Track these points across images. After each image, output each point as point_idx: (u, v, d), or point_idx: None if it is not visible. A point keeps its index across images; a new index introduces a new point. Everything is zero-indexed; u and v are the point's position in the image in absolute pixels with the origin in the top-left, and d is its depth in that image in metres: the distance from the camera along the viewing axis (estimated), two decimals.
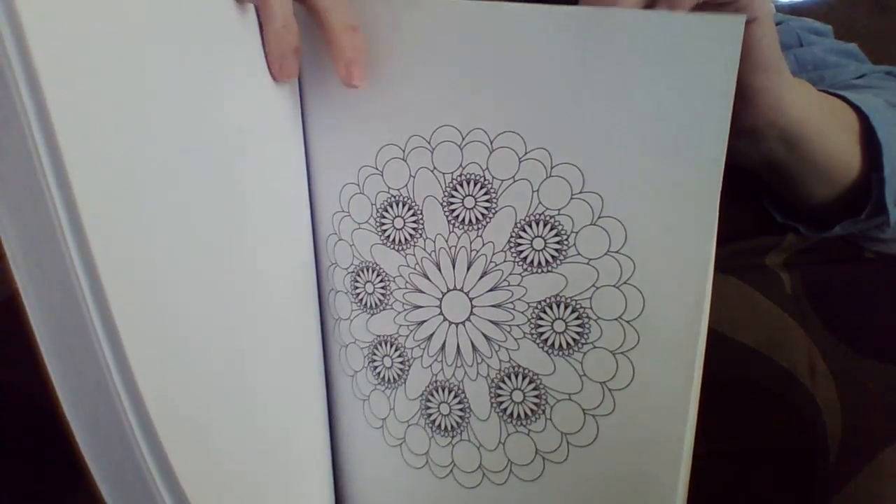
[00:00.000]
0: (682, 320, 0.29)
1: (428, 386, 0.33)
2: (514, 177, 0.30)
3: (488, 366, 0.31)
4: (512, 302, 0.31)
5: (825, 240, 0.42)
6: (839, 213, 0.40)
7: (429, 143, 0.31)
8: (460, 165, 0.31)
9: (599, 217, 0.29)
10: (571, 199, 0.30)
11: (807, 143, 0.35)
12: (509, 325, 0.31)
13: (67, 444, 0.37)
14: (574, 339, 0.30)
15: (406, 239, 0.32)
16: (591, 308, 0.30)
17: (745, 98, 0.33)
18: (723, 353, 0.35)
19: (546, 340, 0.30)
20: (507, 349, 0.31)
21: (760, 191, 0.42)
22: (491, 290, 0.31)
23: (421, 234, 0.32)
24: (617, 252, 0.29)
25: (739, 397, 0.36)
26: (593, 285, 0.30)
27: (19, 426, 0.38)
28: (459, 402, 0.32)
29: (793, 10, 0.76)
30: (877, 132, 0.37)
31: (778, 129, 0.35)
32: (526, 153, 0.30)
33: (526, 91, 0.30)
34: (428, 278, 0.32)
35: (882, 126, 0.37)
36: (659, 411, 0.29)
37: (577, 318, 0.30)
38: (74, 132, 0.19)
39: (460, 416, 0.32)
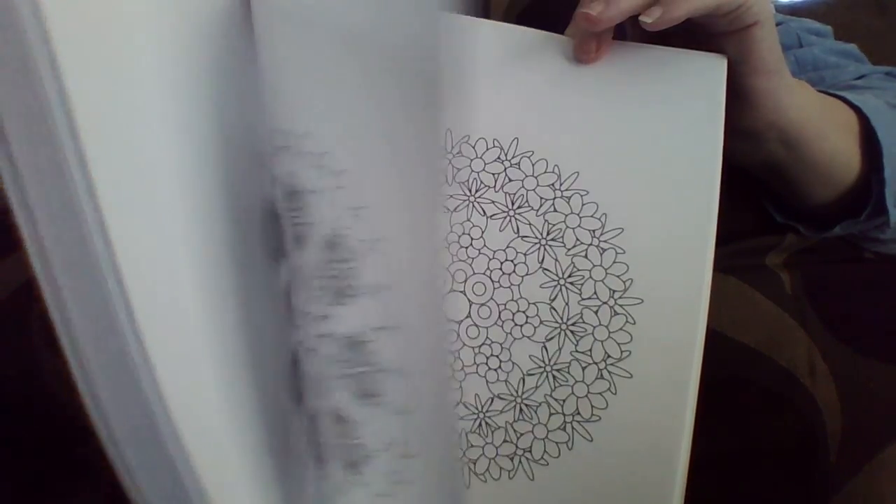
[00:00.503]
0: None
1: None
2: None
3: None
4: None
5: (825, 240, 0.42)
6: (839, 213, 0.40)
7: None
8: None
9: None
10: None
11: (807, 144, 0.35)
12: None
13: (68, 443, 0.37)
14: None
15: None
16: None
17: (745, 100, 0.33)
18: (723, 353, 0.35)
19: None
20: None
21: (760, 191, 0.42)
22: None
23: None
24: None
25: (740, 397, 0.36)
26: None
27: (21, 426, 0.38)
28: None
29: (792, 11, 0.76)
30: (877, 133, 0.37)
31: (778, 131, 0.35)
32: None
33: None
34: None
35: (882, 127, 0.37)
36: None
37: None
38: (98, 143, 0.19)
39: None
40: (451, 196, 0.32)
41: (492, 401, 0.32)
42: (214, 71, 0.27)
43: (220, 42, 0.28)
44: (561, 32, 0.31)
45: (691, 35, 0.31)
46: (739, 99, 0.32)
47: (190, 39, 0.26)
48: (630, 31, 0.34)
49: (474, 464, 0.32)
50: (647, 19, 0.28)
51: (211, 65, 0.27)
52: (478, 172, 0.31)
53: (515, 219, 0.31)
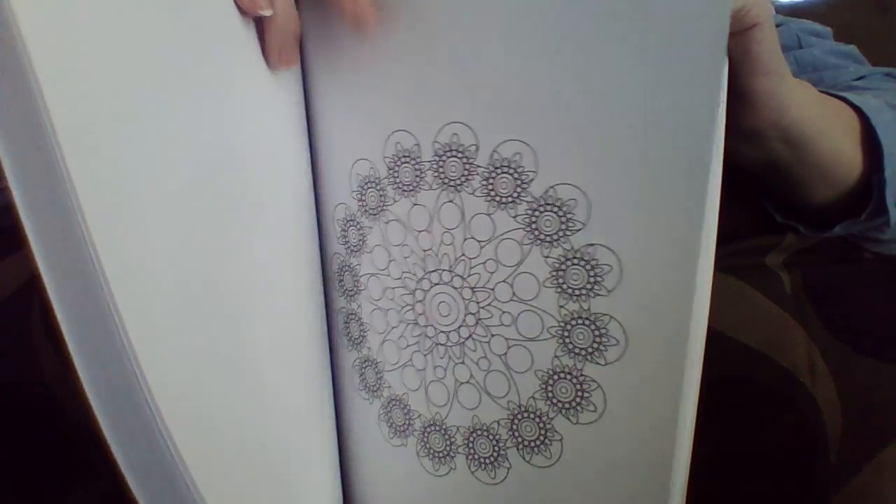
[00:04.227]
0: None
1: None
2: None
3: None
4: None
5: (825, 240, 0.42)
6: (839, 213, 0.40)
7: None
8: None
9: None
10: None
11: (808, 145, 0.35)
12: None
13: (68, 443, 0.37)
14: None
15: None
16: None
17: (746, 100, 0.33)
18: (723, 353, 0.35)
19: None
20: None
21: (760, 191, 0.42)
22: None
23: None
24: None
25: (740, 397, 0.36)
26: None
27: (21, 425, 0.38)
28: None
29: (792, 11, 0.76)
30: (878, 133, 0.37)
31: (779, 131, 0.35)
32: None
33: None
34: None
35: (883, 127, 0.37)
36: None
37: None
38: (77, 139, 0.19)
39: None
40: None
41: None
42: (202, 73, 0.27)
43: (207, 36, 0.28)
44: None
45: None
46: (740, 99, 0.32)
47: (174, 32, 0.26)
48: None
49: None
50: None
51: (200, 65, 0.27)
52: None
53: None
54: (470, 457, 0.32)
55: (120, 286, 0.20)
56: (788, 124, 0.34)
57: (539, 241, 0.29)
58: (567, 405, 0.30)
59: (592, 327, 0.29)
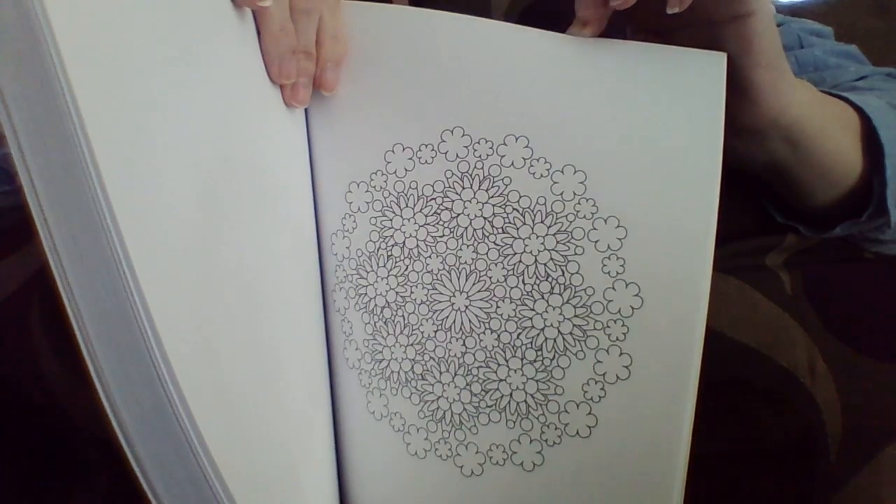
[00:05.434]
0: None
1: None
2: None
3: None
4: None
5: (825, 240, 0.42)
6: (840, 214, 0.40)
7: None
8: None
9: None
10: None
11: (808, 144, 0.35)
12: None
13: (68, 442, 0.37)
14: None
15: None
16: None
17: (746, 95, 0.33)
18: (723, 353, 0.35)
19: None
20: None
21: (760, 191, 0.42)
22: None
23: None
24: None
25: (740, 397, 0.36)
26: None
27: (21, 425, 0.38)
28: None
29: (792, 11, 0.76)
30: (879, 133, 0.37)
31: (780, 129, 0.35)
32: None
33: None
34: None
35: (884, 127, 0.37)
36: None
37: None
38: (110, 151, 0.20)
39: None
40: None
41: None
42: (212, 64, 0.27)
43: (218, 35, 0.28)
44: (562, 32, 0.31)
45: (692, 28, 0.31)
46: (741, 94, 0.32)
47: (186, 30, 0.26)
48: (630, 32, 0.34)
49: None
50: (674, 9, 0.29)
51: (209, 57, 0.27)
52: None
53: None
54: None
55: (142, 270, 0.21)
56: (789, 123, 0.34)
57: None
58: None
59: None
